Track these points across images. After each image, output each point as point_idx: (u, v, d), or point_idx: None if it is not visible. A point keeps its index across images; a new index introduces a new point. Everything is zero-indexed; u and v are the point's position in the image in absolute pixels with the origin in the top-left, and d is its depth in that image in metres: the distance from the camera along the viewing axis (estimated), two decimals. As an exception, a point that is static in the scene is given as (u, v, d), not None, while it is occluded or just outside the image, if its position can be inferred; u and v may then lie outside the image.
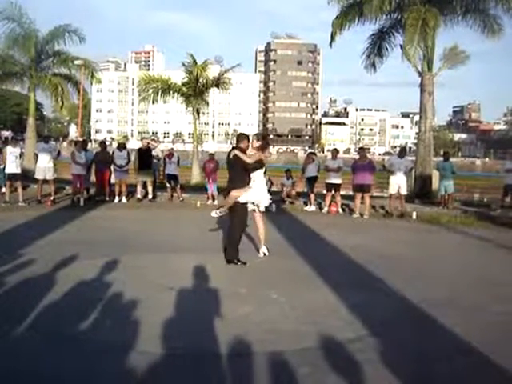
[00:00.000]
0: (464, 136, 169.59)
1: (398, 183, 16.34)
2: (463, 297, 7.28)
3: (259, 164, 9.51)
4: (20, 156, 16.89)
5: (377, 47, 23.19)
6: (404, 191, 16.55)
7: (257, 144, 9.80)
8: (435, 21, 20.22)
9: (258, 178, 9.58)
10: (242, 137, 9.81)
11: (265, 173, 10.27)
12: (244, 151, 9.46)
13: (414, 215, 16.02)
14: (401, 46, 21.92)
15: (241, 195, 9.29)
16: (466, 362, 5.05)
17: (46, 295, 6.59)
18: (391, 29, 22.86)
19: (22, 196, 16.39)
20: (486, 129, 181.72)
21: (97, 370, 4.60)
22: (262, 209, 9.84)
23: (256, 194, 9.52)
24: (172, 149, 20.72)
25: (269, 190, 18.37)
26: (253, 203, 9.59)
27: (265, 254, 9.67)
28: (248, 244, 10.16)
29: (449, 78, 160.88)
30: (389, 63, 24.10)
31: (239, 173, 9.46)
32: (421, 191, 20.49)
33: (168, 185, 19.19)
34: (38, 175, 17.02)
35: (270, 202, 10.21)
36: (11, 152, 16.56)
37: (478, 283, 8.25)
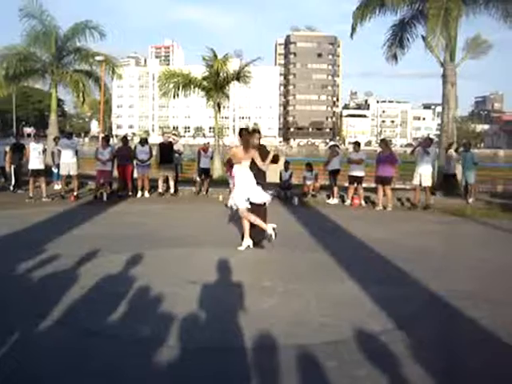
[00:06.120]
0: (487, 127, 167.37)
1: (420, 173, 16.20)
2: (489, 289, 7.18)
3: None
4: (43, 152, 17.05)
5: (398, 38, 22.90)
6: (426, 183, 16.32)
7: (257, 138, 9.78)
8: (458, 10, 19.99)
9: (244, 176, 9.47)
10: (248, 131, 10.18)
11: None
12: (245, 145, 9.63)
13: (437, 207, 15.84)
14: (423, 37, 21.65)
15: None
16: (493, 355, 4.98)
17: (71, 289, 6.63)
18: (413, 19, 22.56)
19: (46, 191, 16.57)
20: (509, 119, 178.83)
21: (123, 364, 4.60)
22: (258, 201, 9.54)
23: (246, 192, 9.41)
24: (208, 143, 20.64)
25: (289, 184, 18.55)
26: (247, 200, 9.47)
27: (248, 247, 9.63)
28: (283, 239, 9.88)
29: (471, 68, 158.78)
30: (410, 54, 23.90)
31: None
32: (444, 183, 20.26)
33: (198, 179, 19.26)
34: (62, 171, 17.24)
35: (269, 197, 9.85)
36: (34, 148, 16.74)
37: (503, 275, 8.13)
